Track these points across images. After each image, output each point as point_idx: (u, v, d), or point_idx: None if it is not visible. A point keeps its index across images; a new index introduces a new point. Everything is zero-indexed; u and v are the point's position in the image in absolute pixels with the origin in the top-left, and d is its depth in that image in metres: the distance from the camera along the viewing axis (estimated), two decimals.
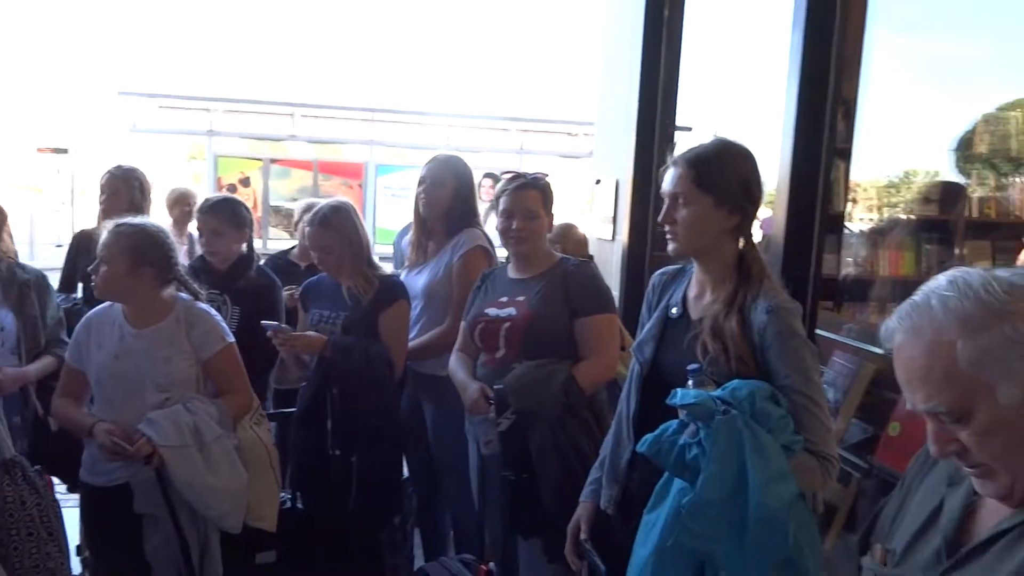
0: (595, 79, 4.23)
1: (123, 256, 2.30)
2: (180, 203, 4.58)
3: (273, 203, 13.24)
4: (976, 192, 4.09)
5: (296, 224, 3.68)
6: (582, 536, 1.89)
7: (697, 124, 4.01)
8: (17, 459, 2.20)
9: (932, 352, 0.97)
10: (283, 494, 2.65)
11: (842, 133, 2.70)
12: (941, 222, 3.65)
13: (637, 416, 1.77)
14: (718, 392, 1.45)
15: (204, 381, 2.41)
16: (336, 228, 2.61)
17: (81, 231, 3.69)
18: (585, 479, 1.99)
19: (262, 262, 3.39)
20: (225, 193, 3.04)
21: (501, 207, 2.43)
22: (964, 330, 0.95)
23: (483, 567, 2.42)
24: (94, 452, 2.36)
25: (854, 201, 3.73)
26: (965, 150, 4.45)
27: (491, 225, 3.02)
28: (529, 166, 12.63)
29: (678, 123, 3.61)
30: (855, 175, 3.21)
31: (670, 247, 1.69)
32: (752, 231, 1.72)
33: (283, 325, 2.63)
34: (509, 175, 2.50)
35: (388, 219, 12.19)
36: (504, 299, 2.43)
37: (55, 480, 2.61)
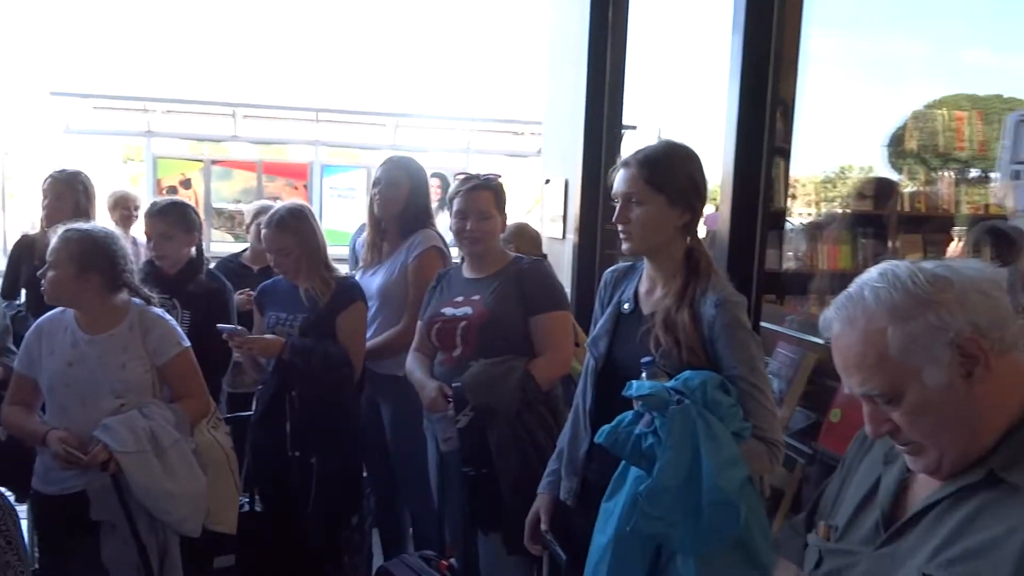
0: (541, 79, 4.29)
1: (70, 261, 2.28)
2: (120, 206, 4.50)
3: (216, 205, 12.97)
4: (907, 187, 4.28)
5: (248, 227, 3.65)
6: (542, 527, 1.94)
7: (642, 123, 4.10)
8: None
9: (865, 340, 1.05)
10: (241, 497, 2.65)
11: (781, 132, 2.80)
12: (875, 217, 3.81)
13: (593, 409, 1.83)
14: (671, 383, 1.52)
15: (160, 386, 2.40)
16: (294, 230, 2.62)
17: (23, 236, 3.61)
18: (543, 472, 2.05)
19: (212, 265, 3.37)
20: (173, 196, 3.00)
21: (455, 208, 2.47)
22: (893, 319, 1.03)
23: (444, 562, 2.46)
24: (47, 461, 2.32)
25: (793, 197, 3.86)
26: (896, 146, 4.65)
27: (441, 224, 3.07)
28: (476, 165, 12.64)
29: (623, 122, 3.69)
30: (794, 172, 3.33)
31: (625, 246, 1.74)
32: (698, 228, 1.80)
33: (240, 328, 2.62)
34: (462, 176, 2.53)
35: (335, 220, 12.07)
36: (460, 298, 2.46)
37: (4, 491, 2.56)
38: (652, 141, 1.78)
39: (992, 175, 5.08)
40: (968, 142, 4.56)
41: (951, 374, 1.01)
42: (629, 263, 1.94)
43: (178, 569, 2.39)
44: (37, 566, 2.49)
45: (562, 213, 3.86)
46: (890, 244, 3.74)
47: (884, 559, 1.11)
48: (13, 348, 2.67)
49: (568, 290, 3.61)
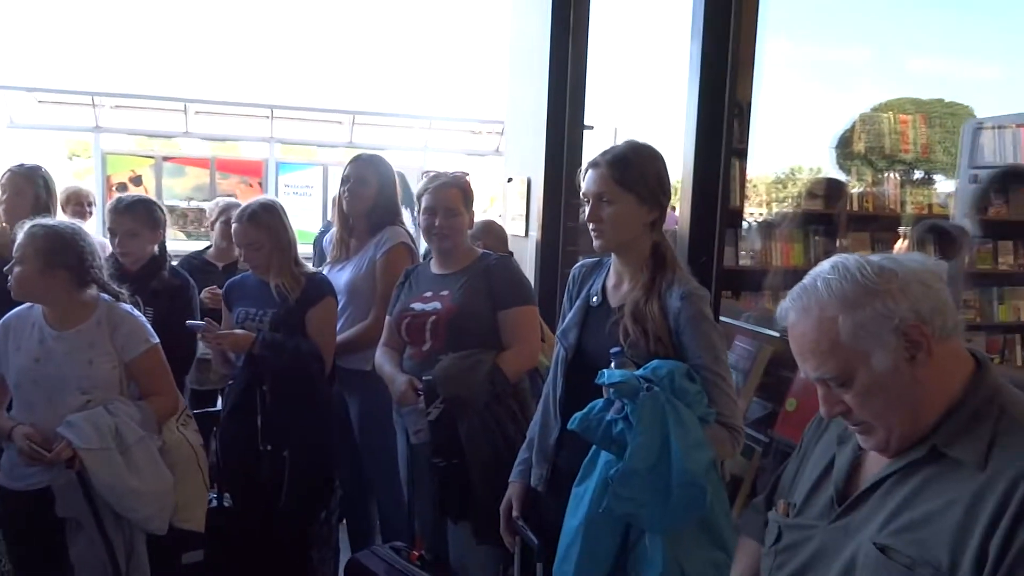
0: (501, 78, 4.36)
1: (36, 257, 2.27)
2: (73, 202, 4.43)
3: (168, 202, 12.73)
4: (855, 188, 4.45)
5: (213, 224, 3.64)
6: (514, 514, 2.01)
7: (598, 123, 4.19)
8: None
9: (819, 327, 1.14)
10: (210, 493, 2.65)
11: (737, 133, 2.91)
12: (826, 216, 3.97)
13: (563, 398, 1.90)
14: (641, 371, 1.60)
15: (128, 383, 2.40)
16: (266, 225, 2.63)
17: None
18: (512, 462, 2.11)
19: (176, 262, 3.36)
20: (139, 193, 2.98)
21: (423, 205, 2.52)
22: (844, 308, 1.12)
23: (414, 552, 2.51)
24: (13, 456, 2.31)
25: (747, 197, 3.99)
26: (844, 148, 4.83)
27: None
28: (433, 164, 12.64)
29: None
30: (748, 172, 3.45)
31: (596, 243, 1.82)
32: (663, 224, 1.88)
33: (212, 323, 2.63)
34: (431, 174, 2.58)
35: (291, 218, 11.95)
36: (429, 294, 2.51)
37: None
38: (609, 140, 1.86)
39: (935, 177, 5.31)
40: (913, 145, 4.75)
41: (896, 358, 1.10)
42: (596, 259, 2.02)
43: (145, 566, 2.39)
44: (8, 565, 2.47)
45: (524, 211, 3.93)
46: (840, 242, 3.89)
47: (838, 531, 1.20)
48: None
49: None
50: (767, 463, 2.51)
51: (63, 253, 2.29)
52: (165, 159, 13.06)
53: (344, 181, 2.97)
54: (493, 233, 3.17)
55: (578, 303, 1.94)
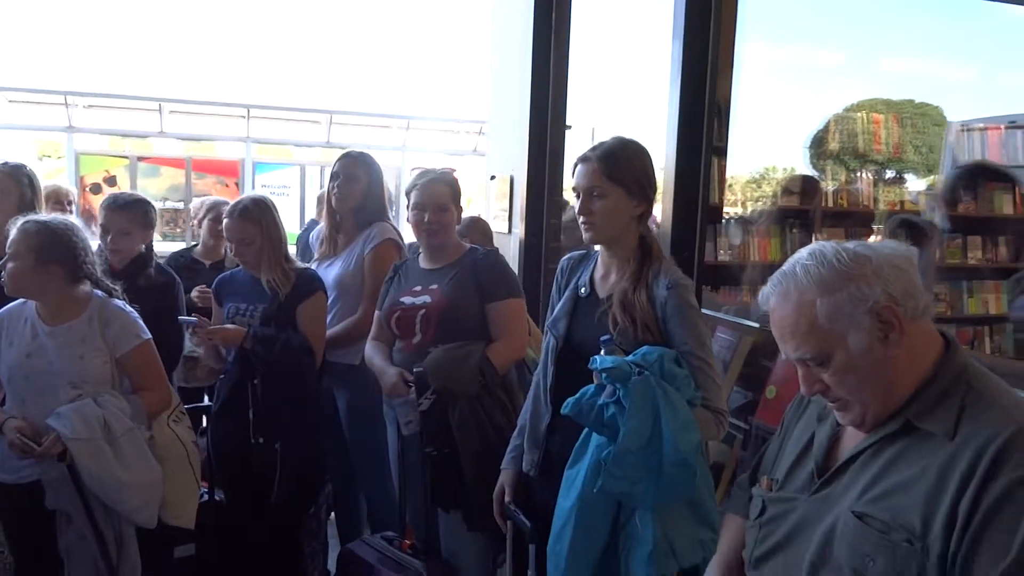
0: (479, 77, 4.43)
1: (29, 253, 2.29)
2: (52, 200, 4.41)
3: None
4: (830, 185, 4.57)
5: (200, 222, 3.66)
6: (507, 499, 2.07)
7: (579, 123, 4.25)
8: None
9: (798, 310, 1.21)
10: (201, 488, 2.68)
11: (717, 132, 2.99)
12: (802, 212, 4.07)
13: (554, 385, 1.96)
14: (631, 357, 1.67)
15: (120, 379, 2.42)
16: (257, 220, 2.66)
17: None
18: (502, 451, 2.17)
19: (164, 260, 3.38)
20: (135, 192, 2.99)
21: (413, 201, 2.56)
22: (821, 291, 1.19)
23: (406, 541, 2.56)
24: (4, 449, 2.33)
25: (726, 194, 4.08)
26: (818, 147, 4.94)
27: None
28: (412, 163, 12.67)
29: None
30: (726, 171, 3.53)
31: (586, 236, 1.88)
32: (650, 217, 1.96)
33: (202, 319, 2.66)
34: (419, 170, 2.63)
35: None
36: (418, 288, 2.56)
37: None
38: (587, 139, 1.93)
39: (906, 176, 5.45)
40: (885, 144, 4.88)
41: (871, 338, 1.17)
42: (583, 251, 2.09)
43: (135, 559, 2.41)
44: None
45: (507, 209, 3.99)
46: (816, 237, 3.99)
47: (819, 502, 1.27)
48: None
49: None
50: (749, 451, 2.59)
51: (57, 249, 2.31)
52: (140, 159, 12.95)
53: (333, 178, 3.02)
54: (479, 229, 3.23)
55: (567, 294, 2.01)
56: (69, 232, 2.36)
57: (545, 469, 1.97)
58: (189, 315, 2.83)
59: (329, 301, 2.95)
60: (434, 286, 2.53)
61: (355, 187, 3.00)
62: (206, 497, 2.76)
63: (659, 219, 2.83)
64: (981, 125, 4.56)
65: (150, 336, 2.44)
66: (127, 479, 2.30)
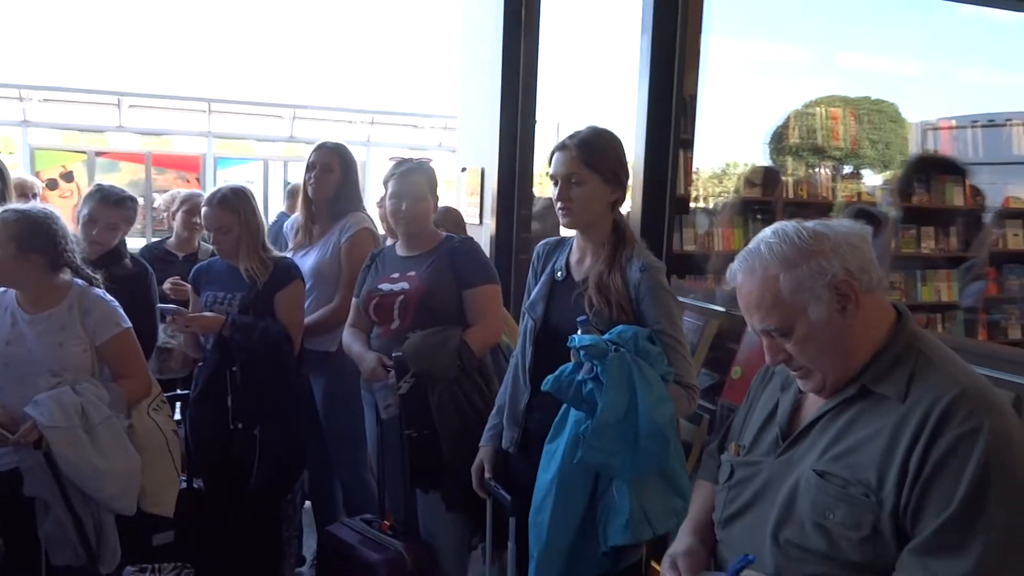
0: (446, 72, 4.49)
1: (9, 243, 2.29)
2: (17, 192, 4.38)
3: None
4: (790, 177, 4.71)
5: (173, 214, 3.67)
6: (486, 475, 2.15)
7: (545, 118, 4.33)
8: None
9: (763, 285, 1.31)
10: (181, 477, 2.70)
11: (684, 125, 3.10)
12: (764, 202, 4.21)
13: (532, 365, 2.05)
14: (608, 335, 1.75)
15: (100, 367, 2.43)
16: (235, 209, 2.69)
17: None
18: (479, 432, 2.25)
19: (137, 251, 3.39)
20: (123, 190, 3.00)
21: (390, 190, 2.62)
22: (784, 266, 1.29)
23: (385, 523, 2.62)
24: None
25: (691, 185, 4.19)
26: (778, 142, 5.08)
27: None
28: (376, 158, 12.65)
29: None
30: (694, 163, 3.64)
31: (564, 221, 1.97)
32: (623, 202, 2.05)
33: (180, 308, 2.69)
34: (396, 159, 2.69)
35: None
36: (396, 275, 2.62)
37: None
38: (552, 134, 2.01)
39: (863, 171, 5.62)
40: (843, 140, 5.03)
41: (830, 310, 1.27)
42: (558, 237, 2.17)
43: (115, 546, 2.43)
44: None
45: (478, 200, 4.06)
46: None
47: (783, 464, 1.37)
48: None
49: None
50: (715, 433, 2.69)
51: (37, 238, 2.32)
52: (98, 154, 12.72)
53: (309, 168, 3.06)
54: (452, 218, 3.30)
55: (543, 278, 2.09)
56: (49, 221, 2.37)
57: (524, 445, 2.05)
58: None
59: (306, 289, 2.99)
60: (412, 273, 2.59)
61: (330, 177, 3.05)
62: (184, 485, 2.78)
63: (629, 210, 2.92)
64: (953, 123, 4.73)
65: (130, 325, 2.46)
66: (105, 467, 2.31)
